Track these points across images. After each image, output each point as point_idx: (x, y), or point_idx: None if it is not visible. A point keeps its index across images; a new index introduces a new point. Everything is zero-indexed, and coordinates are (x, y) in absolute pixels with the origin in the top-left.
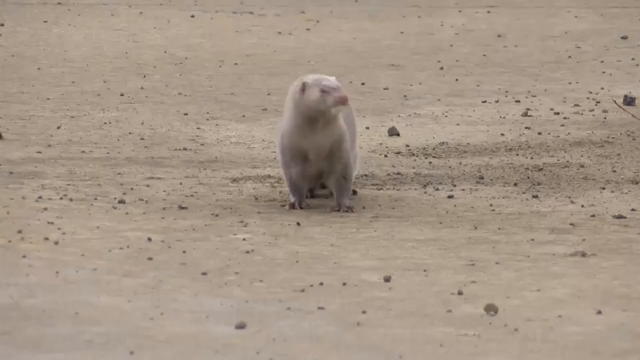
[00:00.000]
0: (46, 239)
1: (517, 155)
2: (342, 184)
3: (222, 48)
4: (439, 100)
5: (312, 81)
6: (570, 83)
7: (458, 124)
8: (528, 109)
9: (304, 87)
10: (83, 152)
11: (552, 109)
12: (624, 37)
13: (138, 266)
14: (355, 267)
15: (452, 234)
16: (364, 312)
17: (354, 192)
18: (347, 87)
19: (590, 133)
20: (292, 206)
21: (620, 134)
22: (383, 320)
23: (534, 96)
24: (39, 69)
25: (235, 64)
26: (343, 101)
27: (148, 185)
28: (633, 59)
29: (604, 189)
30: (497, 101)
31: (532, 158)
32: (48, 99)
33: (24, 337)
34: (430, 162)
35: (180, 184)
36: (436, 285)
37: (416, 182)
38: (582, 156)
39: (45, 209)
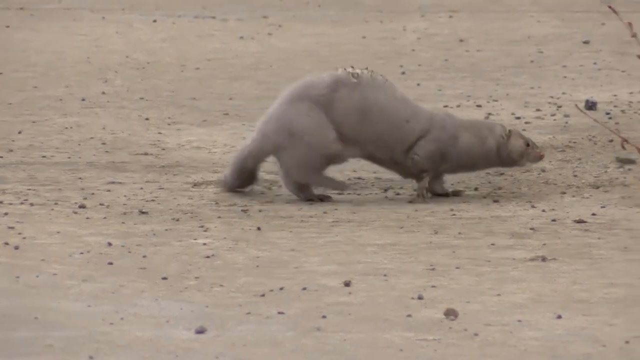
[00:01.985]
0: (6, 243)
1: None
2: None
3: (184, 53)
4: None
5: (516, 131)
6: (532, 87)
7: None
8: (489, 114)
9: (509, 135)
10: (44, 157)
11: (513, 114)
12: (586, 42)
13: (98, 271)
14: (316, 271)
15: (412, 238)
16: (323, 316)
17: (328, 197)
18: None
19: (552, 137)
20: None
21: (582, 138)
22: (343, 325)
23: (496, 101)
24: (1, 73)
25: (197, 68)
26: (540, 159)
27: (109, 190)
28: (595, 63)
29: (564, 193)
30: (458, 106)
31: None
32: (10, 103)
33: None
34: None
35: (141, 188)
36: (396, 290)
37: (377, 187)
38: (543, 161)
39: (6, 213)
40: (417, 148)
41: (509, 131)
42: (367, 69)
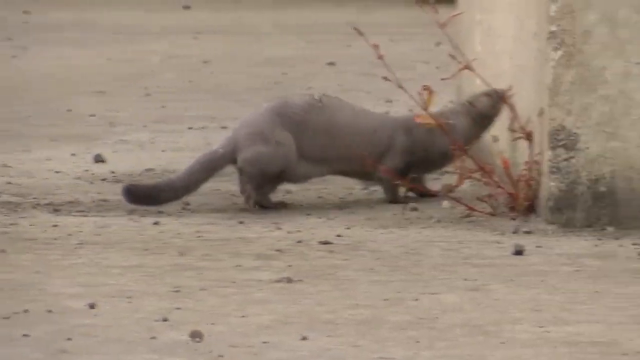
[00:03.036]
0: None
1: (223, 181)
2: None
3: None
4: (145, 126)
5: (475, 95)
6: None
7: (164, 151)
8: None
9: (473, 102)
10: None
11: None
12: (331, 63)
13: None
14: (61, 293)
15: (157, 260)
16: (69, 339)
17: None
18: (52, 114)
19: None
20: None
21: None
22: (88, 347)
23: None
24: None
25: None
26: (508, 93)
27: None
28: (340, 84)
29: (310, 214)
30: (203, 127)
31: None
32: None
33: None
34: None
35: None
36: (141, 312)
37: (122, 209)
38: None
39: None
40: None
41: (469, 102)
42: (323, 94)
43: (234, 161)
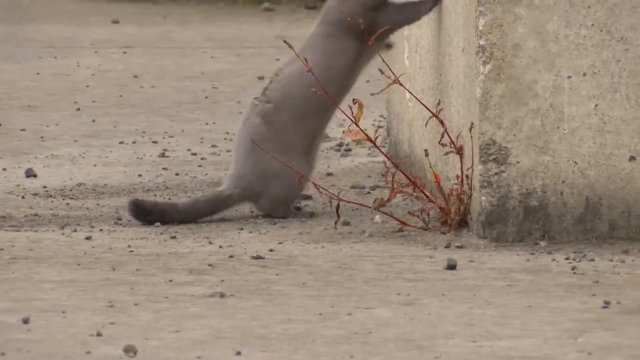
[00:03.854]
0: None
1: (155, 196)
2: None
3: None
4: (75, 141)
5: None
6: (207, 123)
7: (95, 165)
8: (165, 150)
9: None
10: None
11: (189, 150)
12: (261, 78)
13: None
14: None
15: (90, 275)
16: (2, 354)
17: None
18: None
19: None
20: None
21: None
22: None
23: (172, 137)
24: None
25: None
26: None
27: None
28: None
29: (242, 229)
30: (134, 142)
31: (170, 199)
32: None
33: None
34: (67, 204)
35: None
36: (75, 327)
37: (54, 224)
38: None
39: None
40: None
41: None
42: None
43: (245, 200)
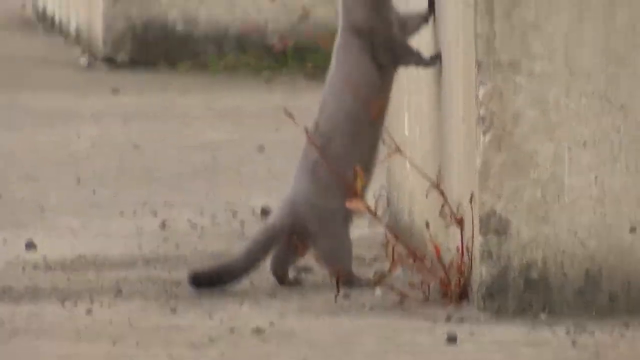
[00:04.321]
0: None
1: (155, 268)
2: None
3: None
4: (76, 212)
5: None
6: (207, 194)
7: (96, 236)
8: (165, 221)
9: None
10: None
11: (189, 220)
12: (260, 147)
13: None
14: None
15: (91, 349)
16: None
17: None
18: None
19: (228, 245)
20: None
21: None
22: None
23: (172, 206)
24: None
25: None
26: None
27: None
28: (269, 170)
29: (242, 303)
30: (134, 213)
31: (170, 272)
32: None
33: None
34: (68, 278)
35: None
36: None
37: (54, 297)
38: None
39: None
40: None
41: None
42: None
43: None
